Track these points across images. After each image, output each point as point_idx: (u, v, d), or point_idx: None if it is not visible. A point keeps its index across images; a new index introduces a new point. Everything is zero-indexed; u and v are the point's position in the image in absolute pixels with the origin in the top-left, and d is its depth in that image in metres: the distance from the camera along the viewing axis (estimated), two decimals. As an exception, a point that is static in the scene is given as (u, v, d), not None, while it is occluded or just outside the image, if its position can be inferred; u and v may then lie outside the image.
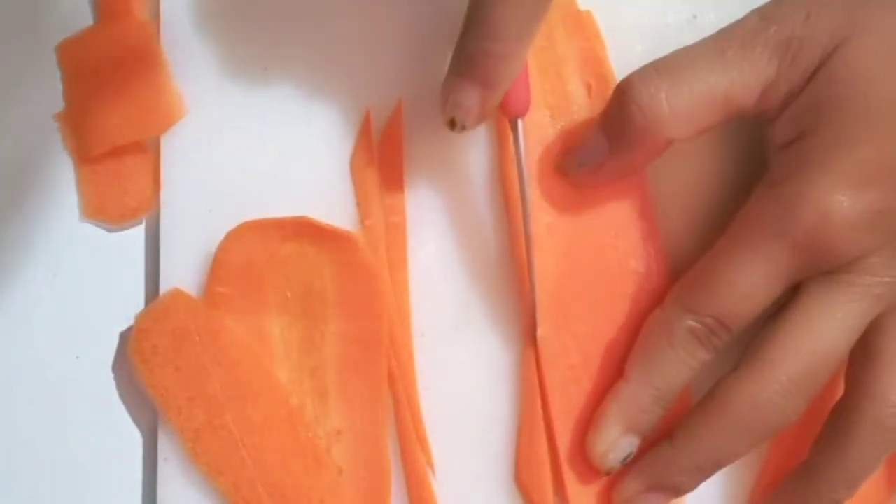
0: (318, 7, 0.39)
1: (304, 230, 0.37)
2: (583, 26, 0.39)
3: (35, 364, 0.38)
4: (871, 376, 0.35)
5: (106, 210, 0.39)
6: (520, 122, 0.36)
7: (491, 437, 0.38)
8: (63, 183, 0.39)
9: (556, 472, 0.37)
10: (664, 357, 0.35)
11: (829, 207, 0.33)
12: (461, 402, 0.38)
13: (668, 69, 0.35)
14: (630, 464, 0.36)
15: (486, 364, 0.38)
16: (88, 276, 0.38)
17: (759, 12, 0.35)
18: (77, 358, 0.38)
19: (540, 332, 0.37)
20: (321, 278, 0.37)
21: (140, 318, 0.37)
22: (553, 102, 0.39)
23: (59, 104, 0.39)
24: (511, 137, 0.36)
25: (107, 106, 0.38)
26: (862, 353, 0.35)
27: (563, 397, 0.37)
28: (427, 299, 0.38)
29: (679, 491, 0.36)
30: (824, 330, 0.34)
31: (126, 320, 0.38)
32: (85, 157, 0.38)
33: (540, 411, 0.37)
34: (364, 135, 0.39)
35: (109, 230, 0.39)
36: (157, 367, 0.36)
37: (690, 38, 0.36)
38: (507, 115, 0.36)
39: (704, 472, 0.36)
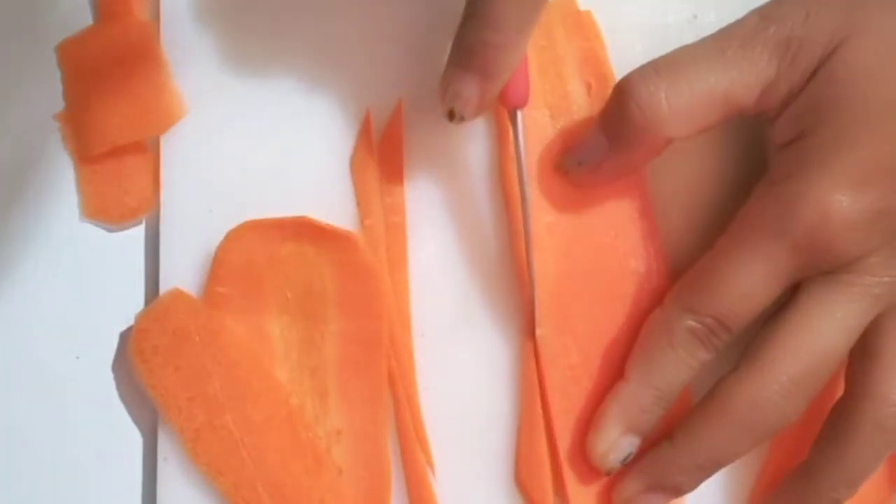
0: (318, 7, 0.39)
1: (304, 230, 0.37)
2: (583, 26, 0.39)
3: (35, 364, 0.38)
4: (871, 377, 0.35)
5: (106, 210, 0.39)
6: (519, 114, 0.36)
7: (491, 437, 0.38)
8: (63, 183, 0.39)
9: (556, 472, 0.37)
10: (664, 357, 0.35)
11: (828, 207, 0.33)
12: (461, 402, 0.38)
13: (667, 68, 0.35)
14: (630, 464, 0.36)
15: (485, 364, 0.38)
16: (88, 276, 0.38)
17: (759, 12, 0.35)
18: (77, 358, 0.38)
19: (540, 332, 0.37)
20: (321, 278, 0.37)
21: (140, 318, 0.37)
22: (553, 102, 0.39)
23: (59, 104, 0.39)
24: (510, 130, 0.36)
25: (107, 106, 0.38)
26: (862, 354, 0.35)
27: (563, 397, 0.37)
28: (427, 299, 0.38)
29: (679, 491, 0.36)
30: (824, 330, 0.34)
31: (126, 320, 0.38)
32: (85, 157, 0.39)
33: (540, 411, 0.37)
34: (364, 134, 0.39)
35: (109, 230, 0.39)
36: (157, 367, 0.36)
37: (690, 37, 0.36)
38: (506, 107, 0.36)
39: (704, 472, 0.36)
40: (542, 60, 0.39)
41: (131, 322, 0.37)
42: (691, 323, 0.35)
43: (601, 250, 0.38)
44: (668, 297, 0.36)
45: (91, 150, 0.38)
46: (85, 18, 0.40)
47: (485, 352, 0.38)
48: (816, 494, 0.36)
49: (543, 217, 0.38)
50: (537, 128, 0.38)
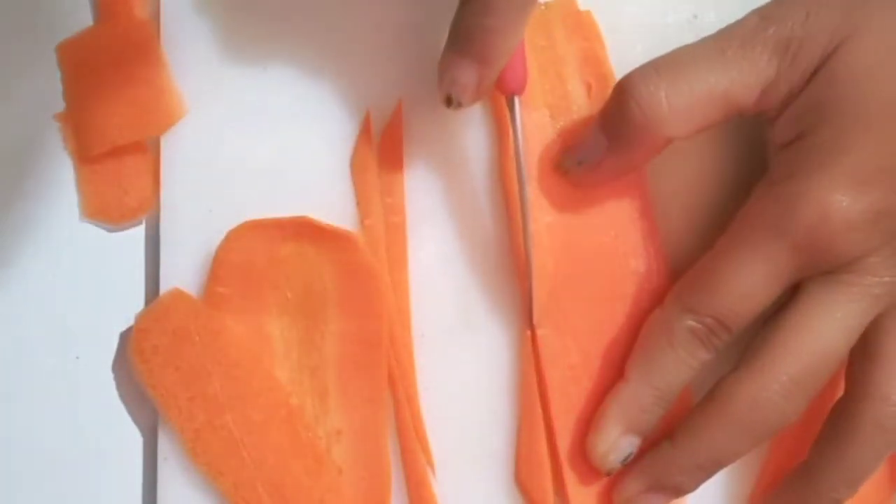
0: (319, 7, 0.39)
1: (304, 230, 0.37)
2: (583, 26, 0.39)
3: (35, 364, 0.38)
4: (871, 377, 0.35)
5: (106, 210, 0.39)
6: (517, 101, 0.36)
7: (491, 437, 0.38)
8: (63, 183, 0.39)
9: (556, 472, 0.37)
10: (664, 357, 0.35)
11: (828, 207, 0.33)
12: (461, 402, 0.38)
13: (667, 68, 0.35)
14: (630, 464, 0.36)
15: (486, 364, 0.38)
16: (88, 276, 0.38)
17: (759, 12, 0.35)
18: (77, 358, 0.38)
19: (540, 332, 0.37)
20: (321, 278, 0.37)
21: (140, 318, 0.37)
22: (553, 102, 0.39)
23: (59, 104, 0.39)
24: (508, 118, 0.36)
25: (107, 106, 0.38)
26: (862, 353, 0.35)
27: (563, 397, 0.37)
28: (427, 299, 0.38)
29: (679, 491, 0.36)
30: (824, 330, 0.34)
31: (126, 320, 0.38)
32: (85, 157, 0.39)
33: (540, 411, 0.37)
34: (364, 135, 0.39)
35: (109, 230, 0.39)
36: (157, 367, 0.36)
37: (690, 38, 0.36)
38: (503, 93, 0.36)
39: (705, 472, 0.36)
40: (542, 60, 0.39)
41: (131, 322, 0.37)
42: (691, 323, 0.35)
43: (601, 250, 0.38)
44: (668, 297, 0.36)
45: (91, 150, 0.38)
46: (85, 18, 0.40)
47: (485, 352, 0.38)
48: (816, 494, 0.36)
49: (543, 217, 0.38)
50: (537, 128, 0.38)
